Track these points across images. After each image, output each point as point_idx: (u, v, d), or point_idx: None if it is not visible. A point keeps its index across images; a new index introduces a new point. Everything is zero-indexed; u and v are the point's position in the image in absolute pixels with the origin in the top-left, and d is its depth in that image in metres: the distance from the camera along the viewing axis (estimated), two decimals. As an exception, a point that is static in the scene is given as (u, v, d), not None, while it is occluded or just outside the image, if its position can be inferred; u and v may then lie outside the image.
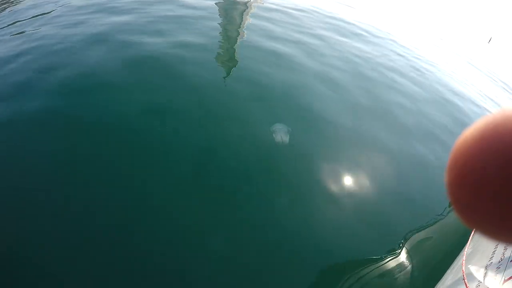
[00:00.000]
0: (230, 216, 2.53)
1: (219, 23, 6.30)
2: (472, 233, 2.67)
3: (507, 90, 8.82)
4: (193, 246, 2.28)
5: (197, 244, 2.30)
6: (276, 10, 7.63)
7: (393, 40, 8.27)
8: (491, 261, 1.94)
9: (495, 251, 2.08)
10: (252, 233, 2.44)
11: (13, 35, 4.81)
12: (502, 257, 1.95)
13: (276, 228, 2.51)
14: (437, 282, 2.28)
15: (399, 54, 7.30)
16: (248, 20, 6.89)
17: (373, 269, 2.37)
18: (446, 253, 2.64)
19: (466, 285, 1.98)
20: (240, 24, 6.74)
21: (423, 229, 2.85)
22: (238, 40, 5.69)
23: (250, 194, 2.71)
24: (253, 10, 7.64)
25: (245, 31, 6.32)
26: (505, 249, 2.01)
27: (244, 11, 7.53)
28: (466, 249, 2.42)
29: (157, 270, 2.07)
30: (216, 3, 7.46)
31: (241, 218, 2.54)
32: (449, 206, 3.13)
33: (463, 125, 4.98)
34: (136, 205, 2.44)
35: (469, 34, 18.48)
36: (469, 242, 2.51)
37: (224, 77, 4.27)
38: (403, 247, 2.59)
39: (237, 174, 2.86)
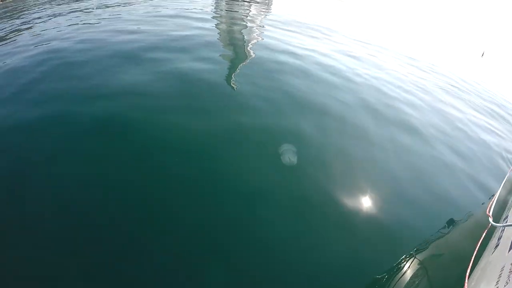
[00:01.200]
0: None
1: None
2: (473, 256, 2.70)
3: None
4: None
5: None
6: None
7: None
8: (497, 286, 1.99)
9: (501, 274, 2.13)
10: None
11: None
12: (508, 281, 2.00)
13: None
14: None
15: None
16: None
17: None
18: (448, 276, 2.67)
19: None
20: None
21: (423, 250, 2.89)
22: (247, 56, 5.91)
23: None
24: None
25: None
26: (511, 271, 2.05)
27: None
28: (468, 272, 2.45)
29: None
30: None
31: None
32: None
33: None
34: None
35: (463, 49, 18.92)
36: (469, 266, 2.54)
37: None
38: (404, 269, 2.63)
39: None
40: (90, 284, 2.13)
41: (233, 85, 4.70)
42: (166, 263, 2.28)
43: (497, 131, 6.38)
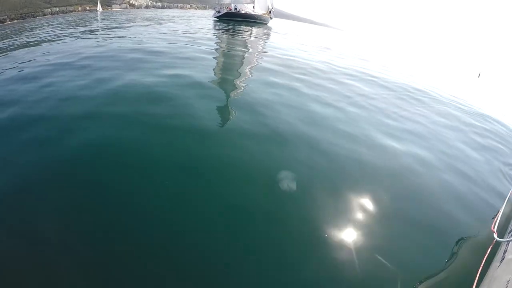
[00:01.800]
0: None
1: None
2: (479, 272, 2.66)
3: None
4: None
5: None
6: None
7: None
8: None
9: (507, 287, 2.09)
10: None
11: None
12: None
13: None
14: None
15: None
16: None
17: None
18: None
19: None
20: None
21: (428, 267, 2.84)
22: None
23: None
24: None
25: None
26: None
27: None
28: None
29: None
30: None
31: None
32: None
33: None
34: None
35: (460, 69, 19.38)
36: (476, 280, 2.50)
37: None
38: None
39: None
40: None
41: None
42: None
43: (496, 148, 6.41)
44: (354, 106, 6.33)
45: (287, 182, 3.39)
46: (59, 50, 8.25)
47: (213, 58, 8.66)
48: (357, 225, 3.04)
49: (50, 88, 5.10)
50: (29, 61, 7.02)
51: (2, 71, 6.10)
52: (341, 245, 2.78)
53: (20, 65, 6.66)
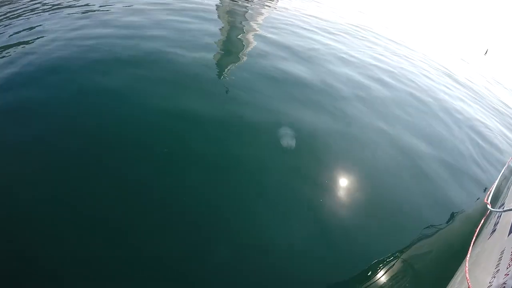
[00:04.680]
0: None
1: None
2: (473, 241, 2.66)
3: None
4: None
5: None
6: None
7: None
8: (498, 269, 1.92)
9: (501, 257, 2.06)
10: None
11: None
12: (510, 263, 1.93)
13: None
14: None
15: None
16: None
17: (377, 275, 2.34)
18: (447, 263, 2.62)
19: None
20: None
21: (424, 238, 2.83)
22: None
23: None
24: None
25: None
26: None
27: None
28: (467, 258, 2.40)
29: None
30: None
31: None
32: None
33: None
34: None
35: (467, 46, 18.77)
36: (469, 251, 2.50)
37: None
38: (403, 254, 2.57)
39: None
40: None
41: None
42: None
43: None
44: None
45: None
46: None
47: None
48: (351, 194, 3.00)
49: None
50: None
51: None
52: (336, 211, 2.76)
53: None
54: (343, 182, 3.11)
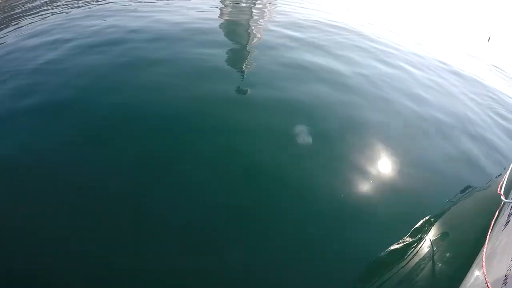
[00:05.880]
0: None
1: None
2: (489, 232, 2.66)
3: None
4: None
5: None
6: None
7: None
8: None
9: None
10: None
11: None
12: None
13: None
14: (460, 283, 2.26)
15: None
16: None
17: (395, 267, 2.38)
18: (465, 253, 2.63)
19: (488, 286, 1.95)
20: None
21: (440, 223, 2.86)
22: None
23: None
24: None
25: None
26: None
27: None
28: (484, 250, 2.40)
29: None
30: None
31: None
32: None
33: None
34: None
35: (469, 33, 18.49)
36: (486, 242, 2.49)
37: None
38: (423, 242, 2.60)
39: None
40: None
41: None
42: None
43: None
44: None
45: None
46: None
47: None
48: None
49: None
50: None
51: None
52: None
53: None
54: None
